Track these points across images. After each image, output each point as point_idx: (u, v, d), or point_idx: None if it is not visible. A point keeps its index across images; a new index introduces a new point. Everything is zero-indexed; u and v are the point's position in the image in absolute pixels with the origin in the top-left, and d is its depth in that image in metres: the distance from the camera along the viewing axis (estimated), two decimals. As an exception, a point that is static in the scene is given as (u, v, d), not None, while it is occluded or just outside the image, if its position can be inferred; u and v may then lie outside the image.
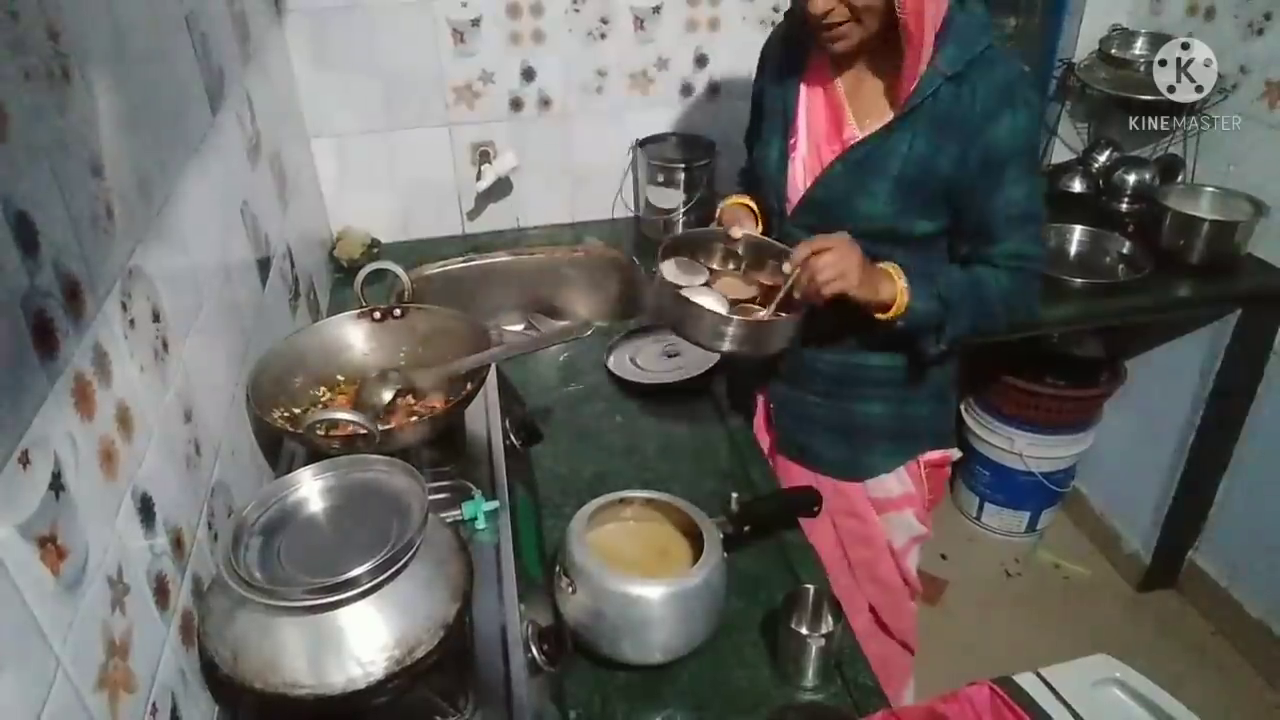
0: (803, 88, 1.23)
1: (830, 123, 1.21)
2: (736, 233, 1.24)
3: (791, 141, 1.24)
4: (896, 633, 1.49)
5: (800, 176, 1.24)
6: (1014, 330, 1.17)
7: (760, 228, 1.32)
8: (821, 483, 1.38)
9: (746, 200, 1.35)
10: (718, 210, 1.37)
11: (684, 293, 1.19)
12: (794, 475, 1.43)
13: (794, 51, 1.24)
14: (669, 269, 1.26)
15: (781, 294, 1.14)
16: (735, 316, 1.17)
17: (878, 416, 1.34)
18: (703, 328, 1.16)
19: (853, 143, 1.18)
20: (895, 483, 1.38)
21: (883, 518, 1.41)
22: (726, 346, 1.16)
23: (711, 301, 1.21)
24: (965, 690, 0.93)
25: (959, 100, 1.10)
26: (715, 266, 1.30)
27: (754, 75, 1.35)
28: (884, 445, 1.36)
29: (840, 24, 1.08)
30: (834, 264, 1.09)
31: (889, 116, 1.15)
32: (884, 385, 1.32)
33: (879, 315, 1.15)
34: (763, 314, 1.18)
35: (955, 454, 1.43)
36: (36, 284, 0.63)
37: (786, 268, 1.13)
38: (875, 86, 1.17)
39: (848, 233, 1.13)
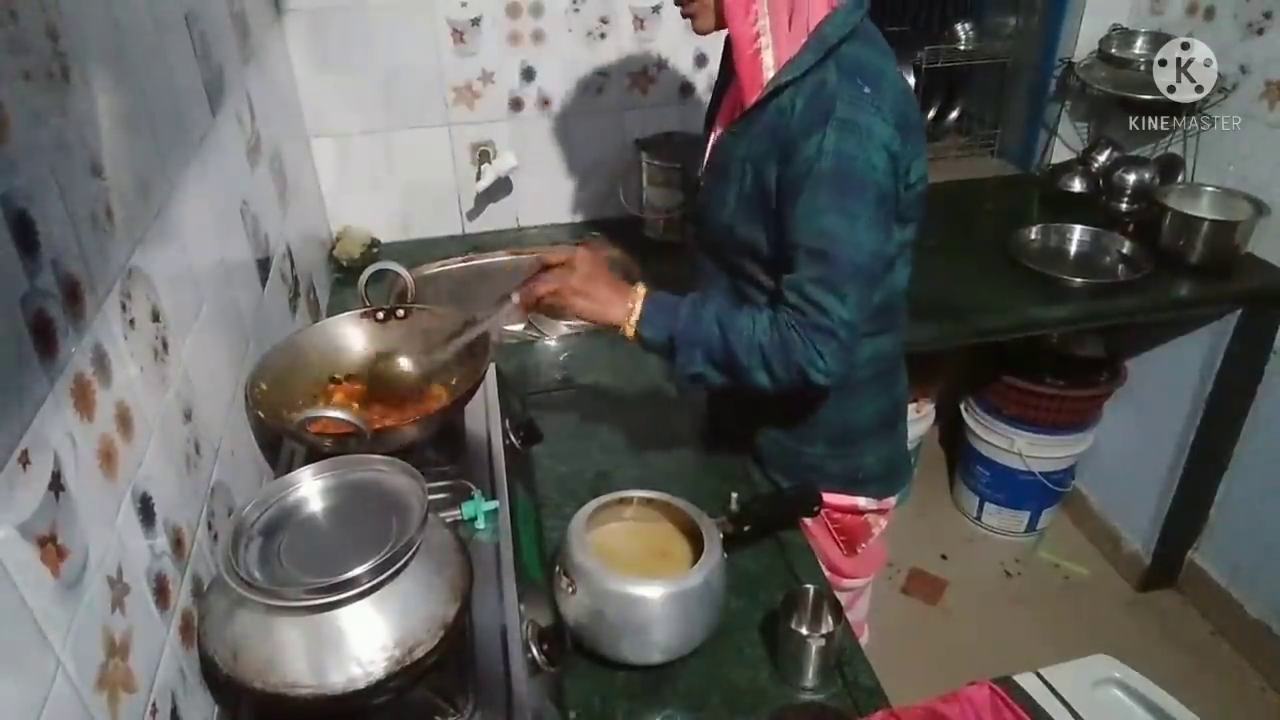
0: (724, 101, 1.21)
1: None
2: (514, 297, 1.14)
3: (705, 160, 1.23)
4: None
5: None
6: (782, 386, 1.06)
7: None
8: None
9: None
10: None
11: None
12: None
13: (724, 70, 1.22)
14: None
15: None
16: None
17: (772, 440, 1.31)
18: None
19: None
20: None
21: None
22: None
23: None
24: (965, 690, 0.93)
25: (785, 110, 1.03)
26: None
27: None
28: (777, 473, 1.32)
29: (689, 2, 1.07)
30: (557, 277, 1.10)
31: None
32: (772, 409, 1.27)
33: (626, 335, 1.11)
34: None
35: (864, 503, 1.31)
36: (36, 284, 0.63)
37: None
38: None
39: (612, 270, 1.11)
